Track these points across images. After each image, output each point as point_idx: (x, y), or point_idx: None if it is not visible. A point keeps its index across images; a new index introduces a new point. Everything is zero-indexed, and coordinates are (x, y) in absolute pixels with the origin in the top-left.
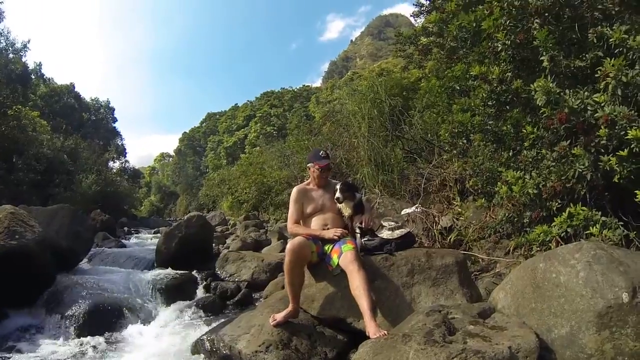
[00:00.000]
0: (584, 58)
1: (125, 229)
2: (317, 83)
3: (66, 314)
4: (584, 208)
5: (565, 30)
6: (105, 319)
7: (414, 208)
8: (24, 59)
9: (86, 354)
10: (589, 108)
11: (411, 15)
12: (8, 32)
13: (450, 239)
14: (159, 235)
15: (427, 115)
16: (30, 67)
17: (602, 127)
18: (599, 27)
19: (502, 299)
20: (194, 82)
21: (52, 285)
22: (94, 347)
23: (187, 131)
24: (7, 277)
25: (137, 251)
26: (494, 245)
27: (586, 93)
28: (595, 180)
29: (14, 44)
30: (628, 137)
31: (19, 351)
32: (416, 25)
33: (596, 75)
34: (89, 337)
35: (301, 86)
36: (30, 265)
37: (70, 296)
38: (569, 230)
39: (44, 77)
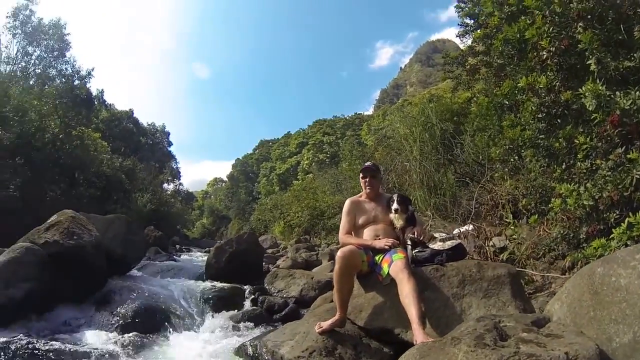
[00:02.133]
0: (632, 58)
1: (177, 246)
2: (369, 111)
3: (114, 312)
4: None
5: (610, 32)
6: (151, 321)
7: (466, 227)
8: (88, 85)
9: (128, 351)
10: None
11: (457, 36)
12: (74, 61)
13: (503, 257)
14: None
15: (478, 138)
16: (94, 94)
17: None
18: None
19: (558, 309)
20: (247, 110)
21: (103, 287)
22: (137, 345)
23: (240, 157)
24: (63, 274)
25: (187, 265)
26: (548, 265)
27: (638, 93)
28: None
29: (79, 71)
30: None
31: (66, 341)
32: (462, 47)
33: None
34: (133, 335)
35: (353, 114)
36: (85, 265)
37: (120, 297)
38: (629, 243)
39: (106, 102)
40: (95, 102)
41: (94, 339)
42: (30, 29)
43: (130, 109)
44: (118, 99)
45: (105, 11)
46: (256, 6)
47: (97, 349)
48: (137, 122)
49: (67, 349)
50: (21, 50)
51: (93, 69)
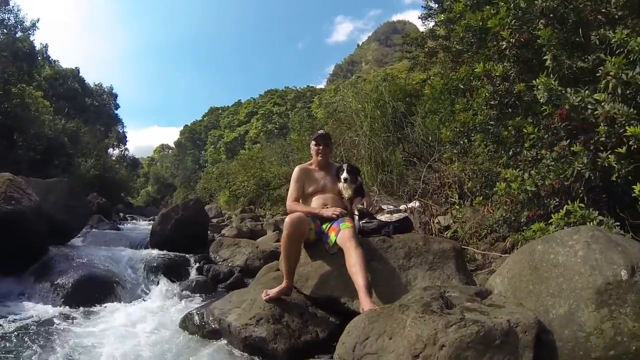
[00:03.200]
0: (586, 60)
1: (121, 214)
2: (322, 84)
3: (55, 282)
4: (581, 205)
5: (570, 33)
6: (95, 292)
7: (412, 203)
8: (31, 38)
9: (71, 322)
10: (589, 106)
11: (419, 18)
12: (18, 10)
13: (447, 235)
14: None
15: (429, 120)
16: (37, 48)
17: (601, 124)
18: (602, 29)
19: (499, 283)
20: (198, 76)
21: (44, 256)
22: (80, 316)
23: (189, 124)
24: None
25: (131, 233)
26: (489, 245)
27: (587, 92)
28: (593, 179)
29: (23, 22)
30: (627, 133)
31: (2, 314)
32: (423, 29)
33: (597, 75)
34: (76, 306)
35: (305, 86)
36: (24, 232)
37: (61, 267)
38: (565, 228)
39: (50, 59)
40: (39, 58)
41: (34, 311)
42: None
43: (76, 67)
44: (64, 56)
45: None
46: None
47: (37, 321)
48: (83, 81)
49: (4, 323)
50: None
51: (38, 20)
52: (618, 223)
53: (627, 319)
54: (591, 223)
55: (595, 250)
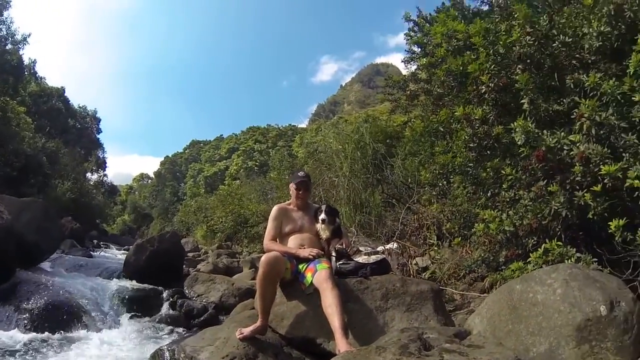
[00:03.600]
0: (561, 102)
1: (95, 241)
2: (304, 124)
3: (20, 307)
4: (559, 243)
5: (546, 77)
6: (61, 319)
7: (390, 245)
8: (21, 52)
9: (36, 350)
10: (565, 147)
11: (402, 61)
12: (11, 22)
13: (425, 276)
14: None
15: (408, 162)
16: (25, 63)
17: (577, 164)
18: (576, 74)
19: (478, 323)
20: (182, 107)
21: (11, 278)
22: (45, 343)
23: (170, 155)
24: None
25: (104, 262)
26: (468, 286)
27: (562, 133)
28: (570, 217)
29: (15, 34)
30: (601, 172)
31: None
32: (406, 73)
33: (572, 117)
34: (41, 333)
35: (287, 125)
36: None
37: (28, 291)
38: (543, 266)
39: (37, 75)
40: (26, 73)
41: None
42: None
43: (62, 87)
44: (50, 74)
45: None
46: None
47: None
48: (67, 102)
49: None
50: None
51: (30, 35)
52: (596, 259)
53: (609, 353)
54: (569, 260)
55: (574, 288)
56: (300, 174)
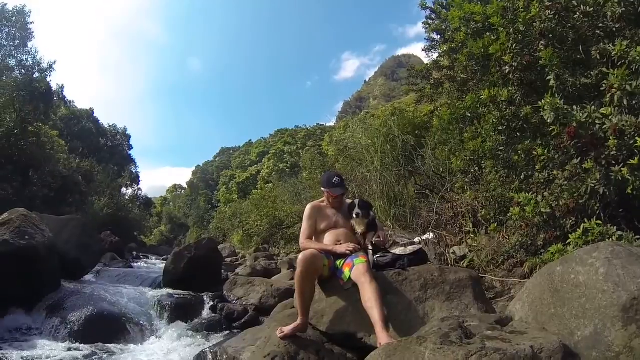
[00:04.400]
0: (589, 75)
1: (134, 253)
2: (331, 122)
3: (66, 318)
4: (599, 222)
5: (570, 51)
6: (106, 330)
7: (426, 235)
8: (48, 79)
9: None
10: (597, 122)
11: (423, 50)
12: (36, 52)
13: (463, 264)
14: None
15: (438, 151)
16: (54, 89)
17: (610, 138)
18: (602, 44)
19: (520, 309)
20: (209, 117)
21: (55, 291)
22: (90, 354)
23: (201, 164)
24: (12, 275)
25: (144, 272)
26: (507, 272)
27: (593, 107)
28: (608, 194)
29: (41, 63)
30: (637, 144)
31: (15, 350)
32: (428, 62)
33: (601, 89)
34: (86, 343)
35: (315, 125)
36: (36, 267)
37: (73, 303)
38: (584, 247)
39: (66, 99)
40: (55, 98)
41: (44, 347)
42: None
43: (91, 108)
44: (79, 97)
45: (74, 5)
46: (226, 10)
47: (47, 358)
48: (97, 122)
49: (14, 358)
50: None
51: (55, 62)
52: (638, 236)
53: None
54: (610, 239)
55: (617, 266)
56: (335, 180)
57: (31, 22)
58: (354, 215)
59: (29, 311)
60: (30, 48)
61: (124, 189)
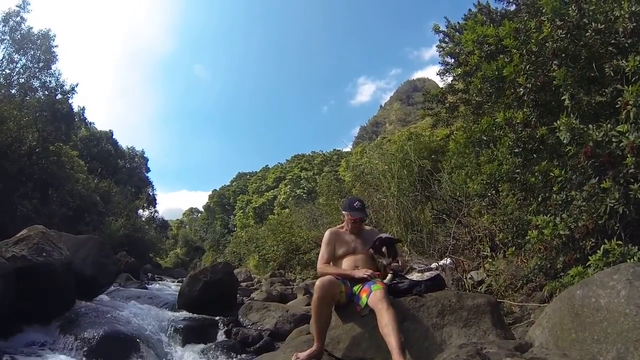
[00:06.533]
0: (603, 93)
1: (149, 274)
2: (348, 147)
3: (80, 336)
4: (619, 242)
5: (583, 69)
6: (119, 349)
7: (444, 261)
8: (70, 101)
9: None
10: (613, 140)
11: (437, 74)
12: (59, 74)
13: (481, 290)
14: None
15: (455, 175)
16: (75, 110)
17: (628, 155)
18: (615, 60)
19: (539, 335)
20: (227, 141)
21: (70, 309)
22: None
23: (217, 189)
24: (29, 291)
25: (159, 293)
26: (526, 297)
27: (609, 125)
28: (628, 213)
29: (63, 85)
30: None
31: None
32: (442, 85)
33: (617, 107)
34: None
35: (331, 150)
36: (53, 284)
37: (87, 321)
38: (605, 268)
39: (86, 121)
40: (76, 119)
41: None
42: (19, 36)
43: (110, 130)
44: (99, 119)
45: (96, 30)
46: (242, 35)
47: None
48: (116, 144)
49: None
50: (7, 57)
51: (77, 85)
52: None
53: None
54: (631, 260)
55: (639, 288)
56: (356, 204)
57: (55, 46)
58: (384, 254)
59: (44, 327)
60: (54, 70)
61: (140, 211)
